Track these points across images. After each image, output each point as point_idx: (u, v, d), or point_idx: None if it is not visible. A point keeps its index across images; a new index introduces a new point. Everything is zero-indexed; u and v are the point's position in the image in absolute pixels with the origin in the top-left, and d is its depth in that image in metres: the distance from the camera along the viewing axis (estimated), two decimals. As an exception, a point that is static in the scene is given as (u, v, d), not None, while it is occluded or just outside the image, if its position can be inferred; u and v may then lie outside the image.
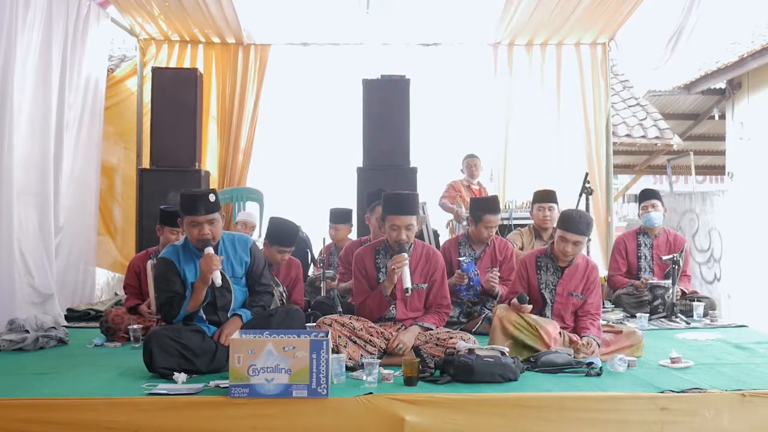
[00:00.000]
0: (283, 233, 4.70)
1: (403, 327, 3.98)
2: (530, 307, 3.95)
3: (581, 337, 3.93)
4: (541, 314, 4.10)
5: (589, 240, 4.17)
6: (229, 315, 3.79)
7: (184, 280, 3.72)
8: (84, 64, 6.37)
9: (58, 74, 5.80)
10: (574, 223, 4.01)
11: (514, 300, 3.95)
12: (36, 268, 5.31)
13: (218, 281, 3.62)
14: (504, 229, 6.38)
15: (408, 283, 3.82)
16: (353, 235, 6.43)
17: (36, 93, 5.43)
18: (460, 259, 5.02)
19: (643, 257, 5.86)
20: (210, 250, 3.62)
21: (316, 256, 6.19)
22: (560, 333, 3.93)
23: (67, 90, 5.96)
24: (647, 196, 5.93)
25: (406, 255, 3.86)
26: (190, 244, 3.75)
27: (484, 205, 5.17)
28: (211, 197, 3.69)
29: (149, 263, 4.77)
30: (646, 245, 5.87)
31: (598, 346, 3.88)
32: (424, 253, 4.07)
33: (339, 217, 6.02)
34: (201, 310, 3.75)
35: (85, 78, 6.42)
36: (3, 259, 4.93)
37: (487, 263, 5.10)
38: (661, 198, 5.91)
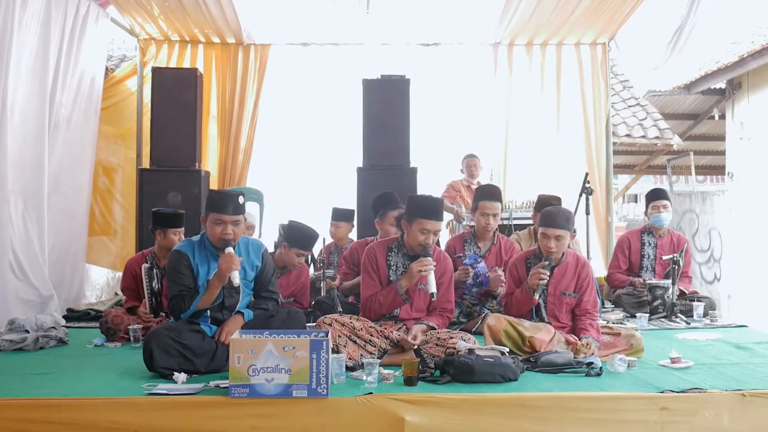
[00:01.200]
0: (306, 237, 4.88)
1: (405, 327, 3.99)
2: (547, 273, 3.97)
3: (580, 338, 3.93)
4: (536, 314, 4.12)
5: (574, 233, 4.16)
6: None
7: (195, 276, 3.74)
8: (80, 64, 6.36)
9: (53, 73, 5.79)
10: (553, 218, 4.03)
11: (543, 263, 4.00)
12: (32, 269, 5.30)
13: (236, 281, 3.65)
14: (504, 230, 6.37)
15: (433, 288, 3.85)
16: (353, 235, 6.43)
17: (31, 93, 5.43)
18: (459, 255, 5.01)
19: (646, 256, 5.88)
20: (231, 249, 3.67)
21: (316, 256, 6.19)
22: (554, 336, 3.92)
23: (59, 89, 5.94)
24: (658, 196, 5.89)
25: (431, 259, 3.87)
26: (207, 242, 3.78)
27: (481, 193, 5.18)
28: (241, 199, 3.76)
29: (143, 267, 4.76)
30: (650, 244, 5.89)
31: (597, 348, 3.87)
32: (435, 257, 4.07)
33: (341, 215, 6.03)
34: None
35: (80, 77, 6.39)
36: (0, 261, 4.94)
37: (492, 262, 5.07)
38: (670, 199, 5.90)
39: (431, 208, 3.96)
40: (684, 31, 6.66)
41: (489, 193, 5.11)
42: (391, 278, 4.03)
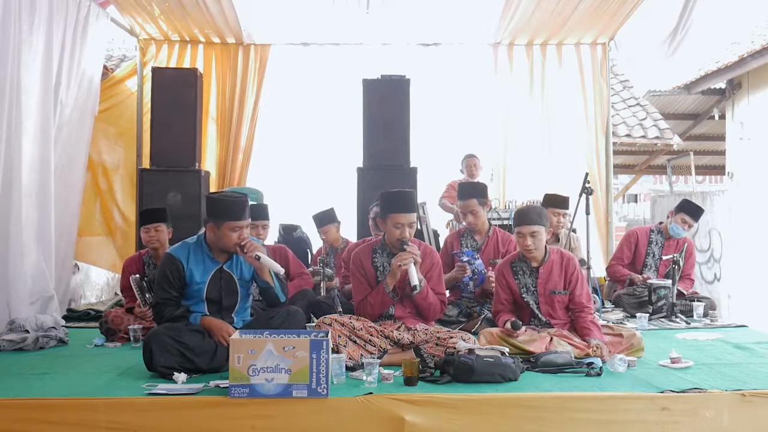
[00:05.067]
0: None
1: (403, 325, 3.99)
2: (523, 330, 3.89)
3: (585, 340, 3.92)
4: (534, 317, 4.13)
5: (550, 230, 4.13)
6: (234, 316, 3.85)
7: (187, 282, 3.75)
8: (82, 64, 6.35)
9: (57, 74, 5.78)
10: (524, 216, 4.04)
11: (507, 325, 3.90)
12: (32, 269, 5.30)
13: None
14: (504, 230, 6.37)
15: (415, 280, 3.84)
16: (352, 236, 6.43)
17: (38, 94, 5.43)
18: (455, 252, 5.01)
19: (651, 255, 5.91)
20: (236, 335, 3.30)
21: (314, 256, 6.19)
22: (551, 341, 3.90)
23: (63, 90, 5.93)
24: (694, 214, 5.80)
25: (410, 252, 3.86)
26: (205, 245, 3.79)
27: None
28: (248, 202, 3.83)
29: (133, 279, 4.74)
30: (657, 244, 5.93)
31: (608, 351, 3.85)
32: (420, 251, 4.06)
33: (321, 220, 5.95)
34: (206, 308, 3.80)
35: (80, 77, 6.38)
36: (10, 260, 4.93)
37: (490, 253, 5.09)
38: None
39: (401, 202, 3.96)
40: (681, 30, 6.65)
41: (461, 193, 5.20)
42: (379, 279, 4.03)
